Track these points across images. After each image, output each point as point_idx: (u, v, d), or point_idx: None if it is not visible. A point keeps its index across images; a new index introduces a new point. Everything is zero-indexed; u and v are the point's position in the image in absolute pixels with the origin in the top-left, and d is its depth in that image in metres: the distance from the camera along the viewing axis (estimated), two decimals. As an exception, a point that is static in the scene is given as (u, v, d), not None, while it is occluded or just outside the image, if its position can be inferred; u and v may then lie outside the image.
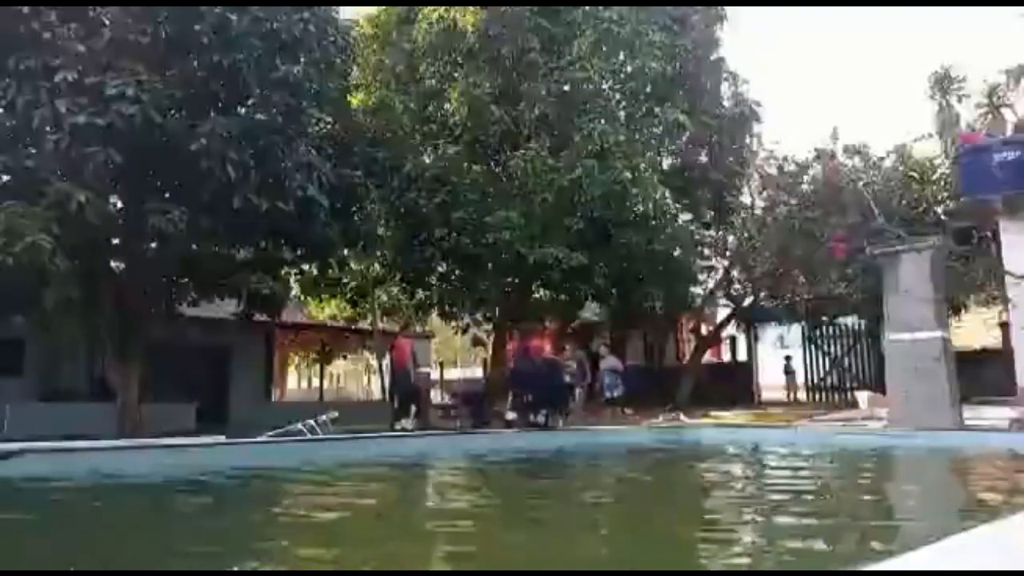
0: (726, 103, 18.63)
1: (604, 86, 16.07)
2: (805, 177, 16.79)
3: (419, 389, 13.63)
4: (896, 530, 4.13)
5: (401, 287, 17.88)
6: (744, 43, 69.75)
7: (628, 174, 14.12)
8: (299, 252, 13.25)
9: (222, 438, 8.47)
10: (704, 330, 21.55)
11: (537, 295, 17.75)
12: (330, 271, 15.33)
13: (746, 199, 19.46)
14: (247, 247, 12.53)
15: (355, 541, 3.94)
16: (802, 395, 21.03)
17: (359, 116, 14.73)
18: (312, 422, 9.80)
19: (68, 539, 3.77)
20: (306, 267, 15.24)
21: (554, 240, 14.47)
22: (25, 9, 9.25)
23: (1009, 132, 16.52)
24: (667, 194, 14.91)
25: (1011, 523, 2.50)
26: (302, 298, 17.78)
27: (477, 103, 15.04)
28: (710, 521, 4.51)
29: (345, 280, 17.21)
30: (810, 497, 5.38)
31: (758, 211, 18.69)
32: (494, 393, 14.76)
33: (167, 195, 10.66)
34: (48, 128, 9.26)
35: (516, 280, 16.43)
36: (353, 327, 19.79)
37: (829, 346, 20.71)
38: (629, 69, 16.00)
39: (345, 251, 14.60)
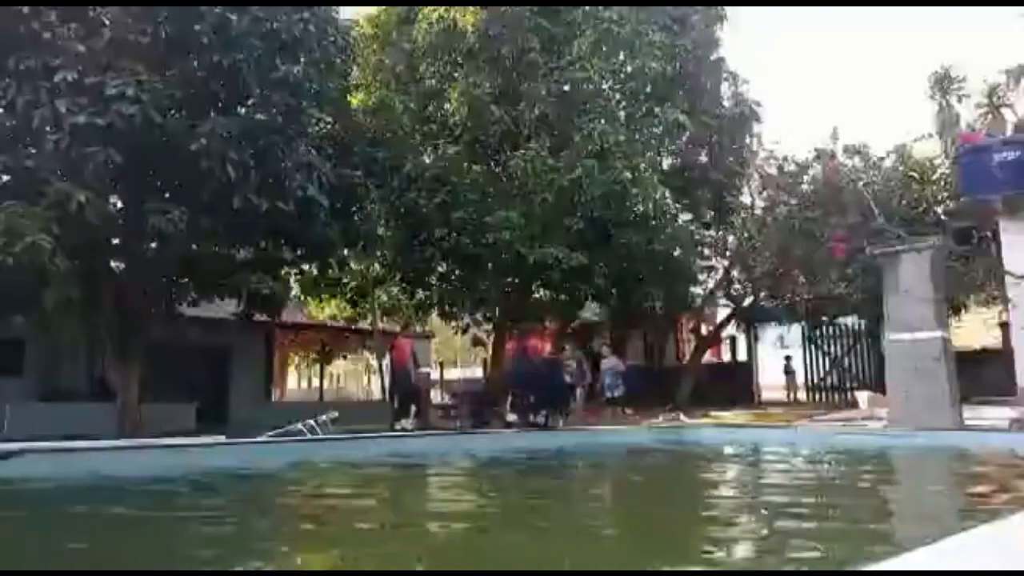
0: (726, 103, 18.63)
1: (604, 86, 16.07)
2: (805, 177, 16.80)
3: (419, 389, 13.64)
4: (896, 530, 4.13)
5: (401, 287, 17.87)
6: (744, 43, 69.76)
7: (628, 174, 14.11)
8: (299, 252, 13.25)
9: (222, 438, 8.47)
10: (704, 330, 21.55)
11: (537, 295, 17.75)
12: (330, 271, 15.33)
13: (746, 199, 19.47)
14: (247, 247, 12.53)
15: (354, 541, 3.94)
16: (802, 395, 21.03)
17: (359, 116, 14.73)
18: (312, 422, 9.81)
19: (68, 539, 3.77)
20: (306, 267, 15.24)
21: (554, 240, 14.47)
22: (25, 9, 9.25)
23: (1009, 132, 16.52)
24: (667, 194, 14.91)
25: (1011, 523, 2.50)
26: (302, 298, 17.78)
27: (477, 103, 15.04)
28: (710, 521, 4.51)
29: (345, 280, 17.20)
30: (810, 497, 5.38)
31: (758, 211, 18.70)
32: (495, 393, 14.77)
33: (167, 195, 10.66)
34: (48, 128, 9.26)
35: (516, 280, 16.43)
36: (353, 327, 19.79)
37: (829, 346, 20.72)
38: (629, 69, 16.00)
39: (345, 251, 14.59)
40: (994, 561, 1.85)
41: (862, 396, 15.01)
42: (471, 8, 15.36)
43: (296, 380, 33.45)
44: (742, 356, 22.98)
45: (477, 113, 15.18)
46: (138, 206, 10.38)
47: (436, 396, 20.71)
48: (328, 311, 19.41)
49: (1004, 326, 16.20)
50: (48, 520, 4.38)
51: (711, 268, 19.84)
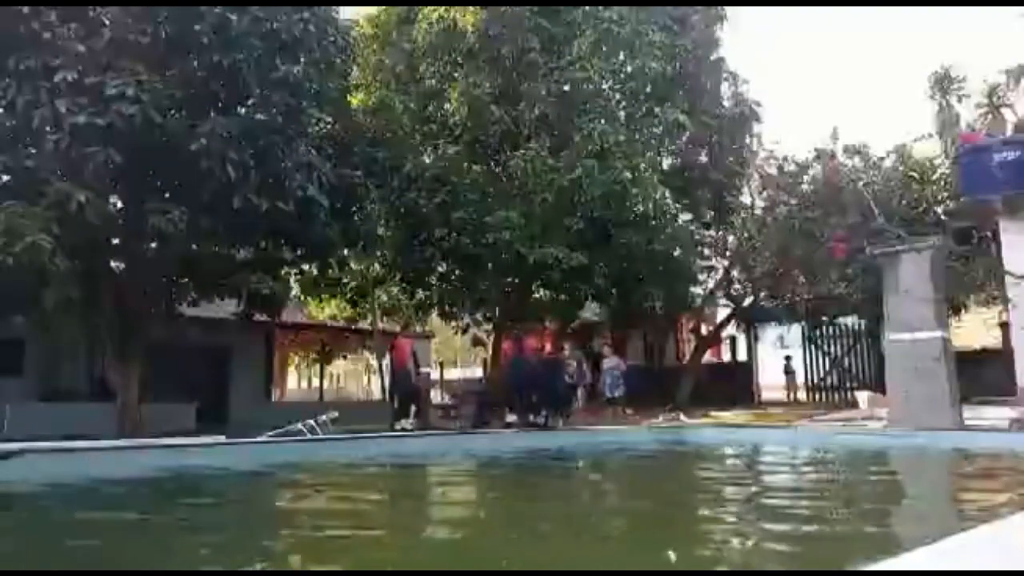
0: (726, 103, 18.63)
1: (604, 86, 16.07)
2: (805, 177, 16.80)
3: (419, 389, 13.65)
4: (896, 530, 4.13)
5: (401, 287, 17.88)
6: (744, 43, 69.76)
7: (628, 174, 14.11)
8: (299, 252, 13.25)
9: (222, 438, 8.47)
10: (704, 330, 21.55)
11: (537, 295, 17.76)
12: (330, 271, 15.34)
13: (746, 199, 19.47)
14: (247, 247, 12.53)
15: (354, 541, 3.94)
16: (802, 395, 21.04)
17: (359, 116, 14.73)
18: (312, 422, 9.81)
19: (68, 539, 3.77)
20: (306, 267, 15.24)
21: (554, 240, 14.47)
22: (25, 9, 9.25)
23: (1009, 132, 16.54)
24: (667, 194, 14.91)
25: (1011, 523, 2.50)
26: (302, 298, 17.79)
27: (477, 103, 15.04)
28: (710, 521, 4.51)
29: (345, 280, 17.21)
30: (809, 498, 5.38)
31: (758, 211, 18.70)
32: (495, 393, 14.77)
33: (167, 195, 10.66)
34: (48, 128, 9.26)
35: (516, 280, 16.43)
36: (353, 327, 19.80)
37: (829, 346, 20.72)
38: (629, 69, 16.00)
39: (345, 251, 14.60)
40: (994, 561, 1.85)
41: (862, 396, 15.01)
42: (471, 8, 15.36)
43: (296, 380, 33.46)
44: (742, 356, 22.98)
45: (477, 113, 15.19)
46: (138, 206, 10.38)
47: (436, 396, 20.72)
48: (328, 311, 19.41)
49: (1004, 326, 16.20)
50: (48, 520, 4.38)
51: (711, 268, 19.84)
